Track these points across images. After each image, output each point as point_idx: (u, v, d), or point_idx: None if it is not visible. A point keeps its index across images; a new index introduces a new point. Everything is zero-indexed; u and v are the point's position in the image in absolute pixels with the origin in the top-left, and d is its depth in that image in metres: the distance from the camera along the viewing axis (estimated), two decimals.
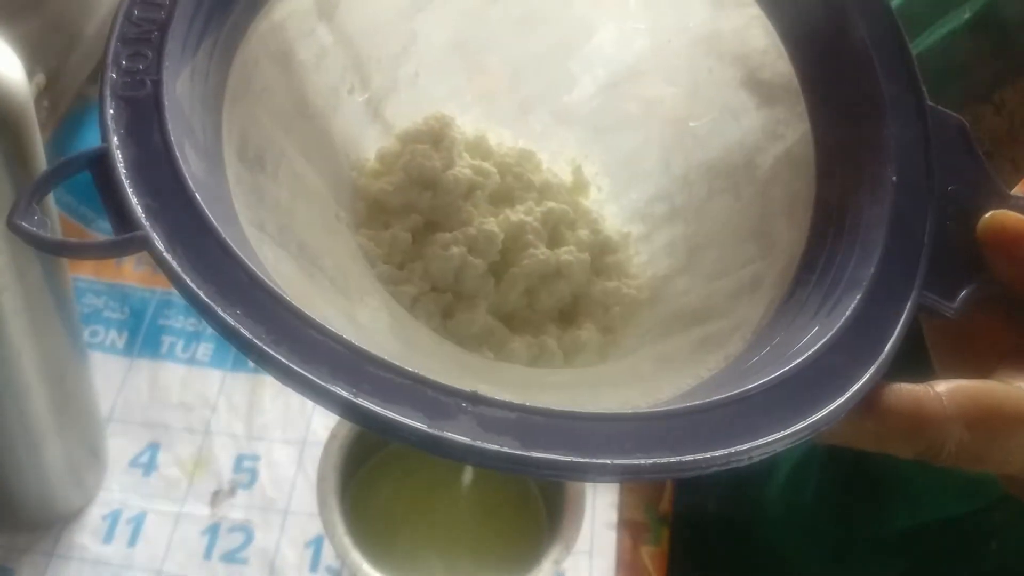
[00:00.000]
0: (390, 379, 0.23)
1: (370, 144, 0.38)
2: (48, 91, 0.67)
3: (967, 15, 0.45)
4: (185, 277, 0.24)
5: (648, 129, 0.39)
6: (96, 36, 0.72)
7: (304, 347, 0.23)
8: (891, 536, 0.54)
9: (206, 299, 0.24)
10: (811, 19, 0.34)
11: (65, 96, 0.70)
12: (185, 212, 0.25)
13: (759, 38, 0.36)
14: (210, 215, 0.25)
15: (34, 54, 0.65)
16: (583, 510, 0.51)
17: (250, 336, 0.23)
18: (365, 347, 0.24)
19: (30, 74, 0.64)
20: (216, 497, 0.60)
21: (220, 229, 0.25)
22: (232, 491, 0.61)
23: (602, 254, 0.38)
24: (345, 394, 0.23)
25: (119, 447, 0.61)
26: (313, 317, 0.24)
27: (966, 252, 0.31)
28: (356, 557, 0.49)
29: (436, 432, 0.22)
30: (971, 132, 0.33)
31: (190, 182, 0.26)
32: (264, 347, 0.23)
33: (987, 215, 0.31)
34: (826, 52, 0.34)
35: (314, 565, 0.58)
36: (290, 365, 0.23)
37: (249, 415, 0.64)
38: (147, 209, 0.25)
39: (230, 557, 0.58)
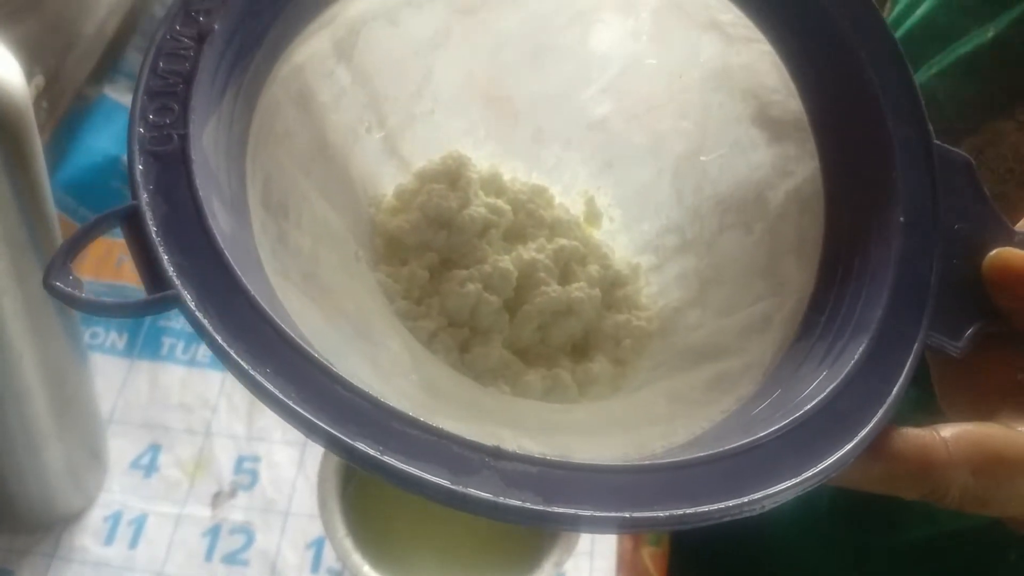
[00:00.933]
0: (415, 435, 0.24)
1: (387, 180, 0.39)
2: (47, 92, 0.67)
3: (991, 33, 0.45)
4: (217, 336, 0.25)
5: (659, 162, 0.40)
6: (94, 36, 0.72)
7: (332, 405, 0.24)
8: (908, 546, 0.55)
9: (237, 358, 0.24)
10: (820, 57, 0.35)
11: (64, 96, 0.70)
12: (215, 270, 0.26)
13: (769, 74, 0.36)
14: (239, 273, 0.26)
15: (32, 55, 0.65)
16: None
17: (280, 395, 0.24)
18: (390, 402, 0.25)
19: (29, 75, 0.64)
20: (217, 499, 0.61)
21: (249, 287, 0.26)
22: (233, 492, 0.61)
23: (612, 288, 0.39)
24: (372, 452, 0.23)
25: (120, 449, 0.62)
26: (340, 374, 0.25)
27: (972, 290, 0.31)
28: (357, 559, 0.50)
29: (460, 489, 0.23)
30: (976, 171, 0.33)
31: (219, 239, 0.26)
32: (293, 405, 0.24)
33: (991, 253, 0.32)
34: (835, 90, 0.34)
35: (315, 567, 0.59)
36: (317, 423, 0.24)
37: (249, 416, 0.64)
38: (178, 268, 0.26)
39: (231, 559, 0.59)
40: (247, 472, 0.62)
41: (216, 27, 0.30)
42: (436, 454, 0.24)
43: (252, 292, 0.26)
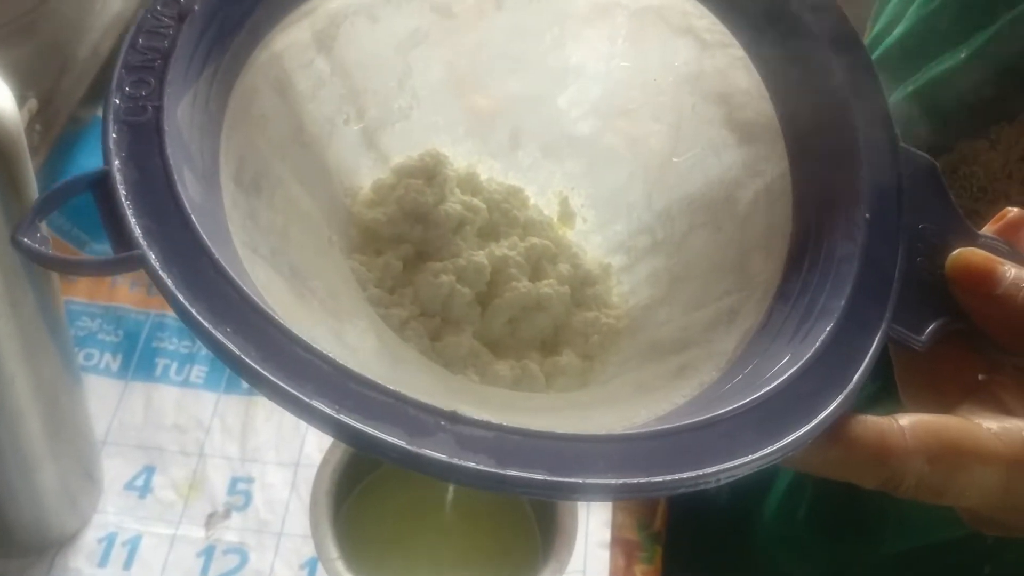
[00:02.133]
0: (372, 396, 0.24)
1: (364, 172, 0.40)
2: (40, 115, 0.68)
3: (963, 54, 0.46)
4: (179, 294, 0.25)
5: (633, 164, 0.40)
6: (88, 58, 0.72)
7: (291, 364, 0.24)
8: (884, 557, 0.55)
9: (198, 316, 0.25)
10: (791, 62, 0.36)
11: (58, 119, 0.71)
12: (181, 233, 0.26)
13: (742, 79, 0.37)
14: (205, 236, 0.26)
15: (26, 79, 0.66)
16: (576, 530, 0.52)
17: (238, 352, 0.24)
18: (350, 366, 0.25)
19: (22, 99, 0.65)
20: (211, 519, 0.61)
21: (214, 250, 0.26)
22: (227, 513, 0.61)
23: (582, 286, 0.39)
24: (328, 410, 0.24)
25: (114, 470, 0.62)
26: (300, 336, 0.25)
27: (935, 288, 0.32)
28: None
29: (414, 449, 0.23)
30: (941, 172, 0.34)
31: (187, 205, 0.27)
32: (252, 363, 0.24)
33: (954, 253, 0.32)
34: (805, 93, 0.35)
35: None
36: (276, 381, 0.24)
37: (243, 437, 0.64)
38: (145, 229, 0.26)
39: None
40: (241, 493, 0.62)
41: (196, 8, 0.31)
42: (392, 415, 0.24)
43: (216, 255, 0.26)
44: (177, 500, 0.61)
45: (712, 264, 0.36)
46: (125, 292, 0.70)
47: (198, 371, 0.67)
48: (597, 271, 0.40)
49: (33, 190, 0.42)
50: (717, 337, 0.33)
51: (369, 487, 0.56)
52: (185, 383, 0.66)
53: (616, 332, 0.38)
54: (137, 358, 0.67)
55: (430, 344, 0.36)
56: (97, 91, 0.75)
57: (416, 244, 0.38)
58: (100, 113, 0.75)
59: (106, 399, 0.64)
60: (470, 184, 0.40)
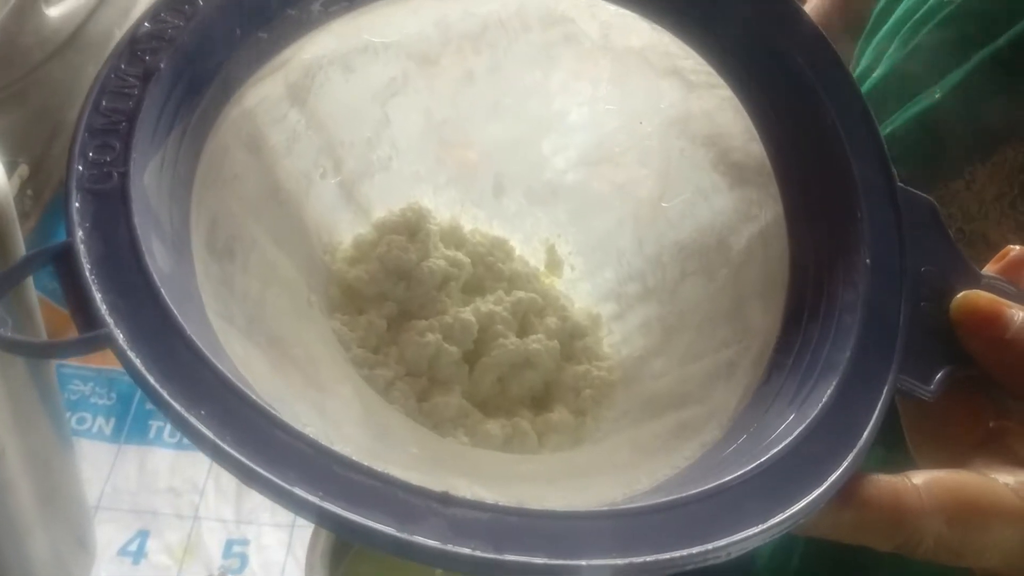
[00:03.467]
0: (358, 480, 0.23)
1: (343, 227, 0.38)
2: (31, 180, 0.67)
3: (937, 95, 0.45)
4: (148, 376, 0.23)
5: (620, 210, 0.39)
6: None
7: (270, 448, 0.23)
8: None
9: (169, 399, 0.23)
10: (781, 101, 0.35)
11: (49, 184, 0.70)
12: (151, 309, 0.25)
13: (730, 120, 0.36)
14: (176, 312, 0.25)
15: (17, 145, 0.66)
16: None
17: (213, 438, 0.23)
18: (334, 445, 0.24)
19: (12, 165, 0.65)
20: None
21: (186, 326, 0.25)
22: None
23: (571, 339, 0.38)
24: (311, 498, 0.22)
25: (107, 535, 0.60)
26: (280, 416, 0.24)
27: (941, 333, 0.31)
28: None
29: (405, 536, 0.22)
30: (941, 213, 0.33)
31: (156, 278, 0.25)
32: (228, 449, 0.23)
33: (959, 296, 0.31)
34: (797, 135, 0.34)
35: None
36: (254, 468, 0.22)
37: (238, 498, 0.63)
38: (112, 306, 0.24)
39: None
40: (236, 556, 0.61)
41: (162, 66, 0.29)
42: (380, 500, 0.23)
43: (189, 332, 0.24)
44: (172, 564, 0.60)
45: (707, 314, 0.35)
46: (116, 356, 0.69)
47: None
48: (586, 322, 0.39)
49: (23, 255, 0.41)
50: (716, 393, 0.32)
51: (362, 549, 0.54)
52: (179, 445, 0.66)
53: (609, 384, 0.37)
54: (130, 421, 0.66)
55: (417, 405, 0.35)
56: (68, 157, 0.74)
57: (400, 302, 0.37)
58: None
59: (99, 463, 0.64)
60: (454, 237, 0.39)
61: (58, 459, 0.52)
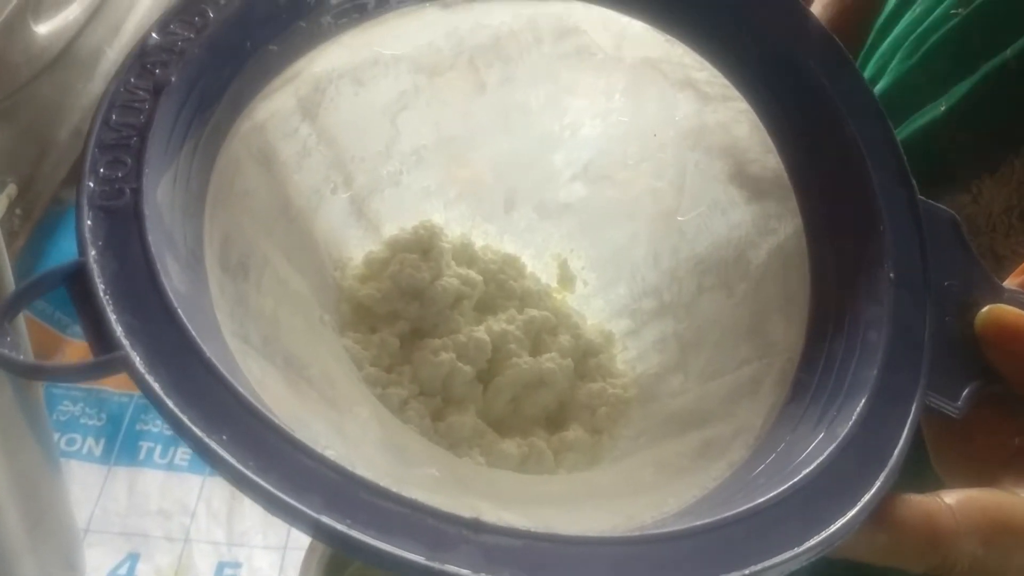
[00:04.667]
0: (386, 507, 0.22)
1: (353, 243, 0.38)
2: (20, 199, 0.67)
3: (943, 107, 0.45)
4: (168, 401, 0.23)
5: (634, 223, 0.39)
6: (69, 141, 0.71)
7: (295, 474, 0.22)
8: None
9: (190, 424, 0.22)
10: (798, 113, 0.34)
11: (39, 202, 0.70)
12: (167, 330, 0.24)
13: (746, 132, 0.35)
14: (193, 332, 0.24)
15: (6, 164, 0.65)
16: None
17: (236, 464, 0.22)
18: (356, 468, 0.23)
19: (1, 184, 0.64)
20: None
21: (204, 348, 0.24)
22: None
23: (585, 357, 0.38)
24: (339, 526, 0.21)
25: (97, 558, 0.59)
26: (303, 441, 0.23)
27: (966, 349, 0.30)
28: None
29: (437, 565, 0.21)
30: (963, 225, 0.33)
31: (172, 297, 0.24)
32: (252, 476, 0.22)
33: (984, 310, 0.31)
34: (815, 146, 0.34)
35: None
36: (280, 495, 0.22)
37: (229, 521, 0.62)
38: (127, 327, 0.24)
39: None
40: None
41: (173, 79, 0.29)
42: (409, 527, 0.22)
43: (208, 354, 0.24)
44: None
45: (725, 329, 0.35)
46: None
47: (183, 454, 0.65)
48: (599, 340, 0.38)
49: (9, 282, 0.40)
50: (741, 411, 0.31)
51: (358, 571, 0.54)
52: (170, 466, 0.65)
53: (624, 402, 0.36)
54: (120, 442, 0.65)
55: (432, 425, 0.34)
56: (78, 173, 0.73)
57: (412, 321, 0.36)
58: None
59: (88, 485, 0.63)
60: (465, 254, 0.38)
61: (46, 482, 0.51)
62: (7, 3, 0.62)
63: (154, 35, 0.30)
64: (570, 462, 0.35)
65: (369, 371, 0.34)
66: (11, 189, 0.65)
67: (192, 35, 0.30)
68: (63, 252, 0.70)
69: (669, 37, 0.36)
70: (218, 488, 0.63)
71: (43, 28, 0.67)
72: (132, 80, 0.29)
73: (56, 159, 0.70)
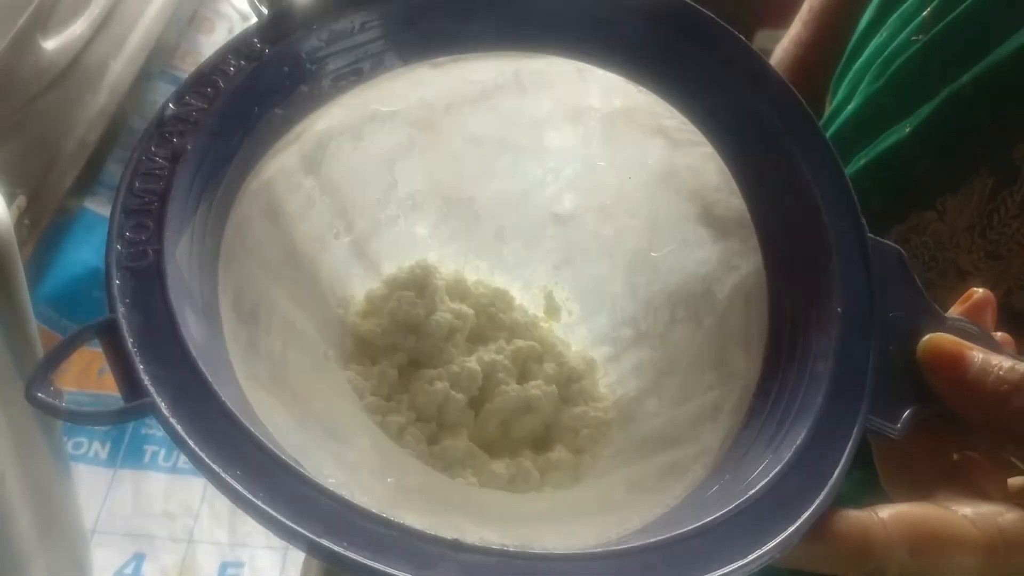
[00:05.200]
0: (378, 531, 0.26)
1: (355, 281, 0.41)
2: (28, 209, 0.69)
3: (908, 129, 0.47)
4: (189, 441, 0.26)
5: (613, 258, 0.42)
6: (75, 152, 0.74)
7: (299, 504, 0.26)
8: None
9: (209, 461, 0.26)
10: (759, 158, 0.37)
11: (46, 212, 0.72)
12: (188, 378, 0.27)
13: (713, 175, 0.38)
14: (210, 379, 0.27)
15: (15, 176, 0.68)
16: None
17: (250, 496, 0.25)
18: (355, 497, 0.26)
19: (11, 196, 0.66)
20: None
21: (220, 392, 0.27)
22: None
23: (568, 383, 0.41)
24: (337, 549, 0.25)
25: (103, 559, 0.62)
26: (307, 474, 0.26)
27: (907, 375, 0.33)
28: None
29: None
30: (907, 260, 0.35)
31: (191, 348, 0.28)
32: (263, 506, 0.25)
33: (924, 339, 0.33)
34: (774, 189, 0.37)
35: None
36: (287, 523, 0.25)
37: (232, 522, 0.65)
38: (153, 376, 0.27)
39: None
40: None
41: (189, 147, 0.32)
42: (398, 549, 0.25)
43: (223, 398, 0.27)
44: None
45: (694, 358, 0.38)
46: (113, 380, 0.70)
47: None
48: (582, 367, 0.41)
49: (23, 289, 0.42)
50: (703, 434, 0.34)
51: None
52: (174, 469, 0.67)
53: (605, 424, 0.40)
54: (125, 446, 0.68)
55: (428, 448, 0.37)
56: (84, 182, 0.76)
57: (410, 352, 0.40)
58: (87, 204, 0.77)
59: (95, 488, 0.65)
60: (458, 289, 0.42)
61: (57, 486, 0.52)
62: (16, 20, 0.64)
63: (171, 106, 0.33)
64: (555, 480, 0.38)
65: (370, 400, 0.38)
66: (20, 200, 0.67)
67: (205, 105, 0.33)
68: (69, 261, 0.72)
69: (641, 88, 0.39)
70: None
71: (50, 44, 0.69)
72: (152, 148, 0.32)
73: (62, 169, 0.73)
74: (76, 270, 0.72)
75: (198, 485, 0.66)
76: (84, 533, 0.60)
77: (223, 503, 0.65)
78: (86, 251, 0.74)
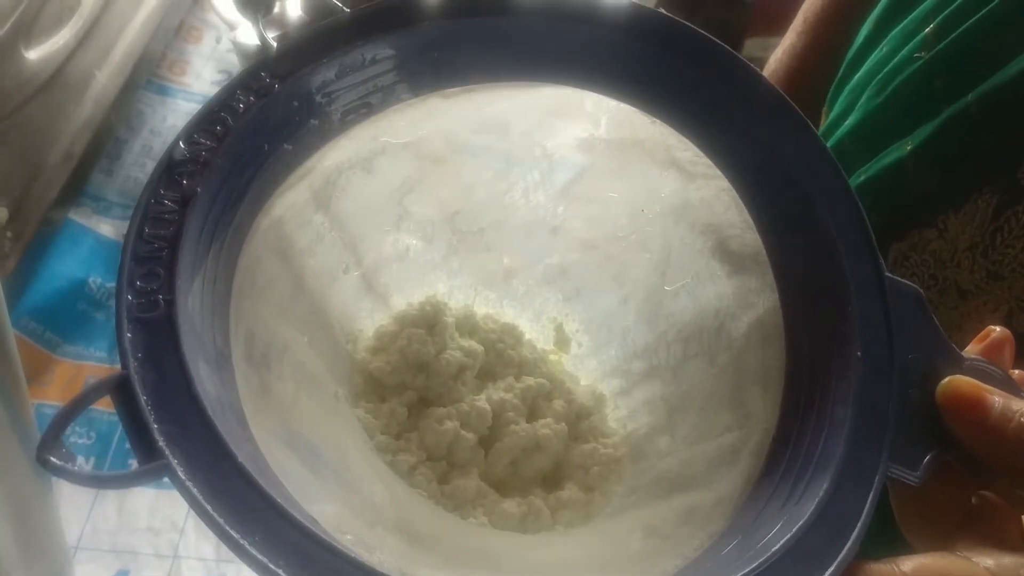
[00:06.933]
0: None
1: (363, 315, 0.41)
2: (12, 221, 0.68)
3: (909, 146, 0.47)
4: (207, 505, 0.26)
5: (624, 290, 0.41)
6: (59, 163, 0.73)
7: (318, 570, 0.25)
8: None
9: (227, 527, 0.25)
10: (775, 193, 0.36)
11: (29, 224, 0.71)
12: (203, 436, 0.27)
13: (728, 209, 0.38)
14: (226, 439, 0.27)
15: None
16: None
17: (271, 565, 0.25)
18: (372, 555, 0.26)
19: None
20: None
21: (236, 452, 0.27)
22: None
23: (577, 420, 0.41)
24: None
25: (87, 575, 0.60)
26: (325, 537, 0.26)
27: (927, 419, 0.33)
28: None
29: None
30: (926, 299, 0.35)
31: (206, 405, 0.27)
32: (282, 574, 0.25)
33: (943, 381, 0.33)
34: (790, 225, 0.36)
35: None
36: None
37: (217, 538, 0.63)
38: (167, 436, 0.26)
39: None
40: None
41: (199, 190, 0.31)
42: None
43: (239, 458, 0.27)
44: None
45: (709, 397, 0.37)
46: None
47: None
48: (591, 402, 0.41)
49: (3, 309, 0.41)
50: (721, 478, 0.34)
51: None
52: (159, 484, 0.64)
53: (615, 460, 0.39)
54: (110, 460, 0.66)
55: (439, 488, 0.37)
56: (68, 194, 0.75)
57: (419, 391, 0.39)
58: (71, 215, 0.76)
59: (79, 503, 0.64)
60: (467, 324, 0.41)
61: (37, 501, 0.51)
62: None
63: (180, 145, 0.32)
64: (566, 519, 0.37)
65: (380, 439, 0.37)
66: (3, 212, 0.66)
67: (215, 144, 0.33)
68: (53, 273, 0.71)
69: (654, 119, 0.38)
70: None
71: (33, 53, 0.68)
72: (162, 191, 0.31)
73: (46, 181, 0.71)
74: (60, 283, 0.70)
75: (183, 501, 0.65)
76: (66, 549, 0.59)
77: None
78: (71, 263, 0.72)
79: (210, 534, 0.61)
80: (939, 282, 0.47)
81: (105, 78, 0.78)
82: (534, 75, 0.38)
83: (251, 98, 0.34)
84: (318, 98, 0.35)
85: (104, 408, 0.70)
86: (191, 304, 0.30)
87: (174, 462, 0.26)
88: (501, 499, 0.37)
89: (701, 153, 0.38)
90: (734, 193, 0.37)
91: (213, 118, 0.33)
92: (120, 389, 0.27)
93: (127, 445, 0.67)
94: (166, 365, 0.28)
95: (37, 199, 0.72)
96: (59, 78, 0.71)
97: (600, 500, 0.38)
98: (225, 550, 0.61)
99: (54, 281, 0.71)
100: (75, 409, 0.27)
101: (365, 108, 0.36)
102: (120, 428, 0.65)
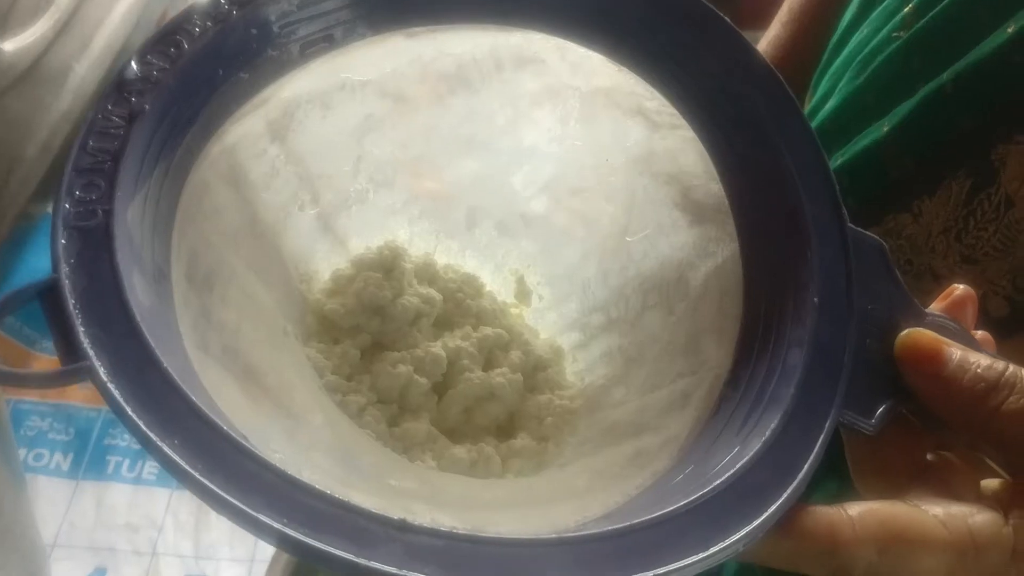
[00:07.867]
0: (321, 508, 0.24)
1: (320, 257, 0.40)
2: None
3: (885, 128, 0.47)
4: (126, 407, 0.25)
5: (586, 243, 0.41)
6: (37, 157, 0.72)
7: (239, 477, 0.24)
8: None
9: (145, 428, 0.25)
10: (739, 143, 0.36)
11: (6, 218, 0.70)
12: (131, 342, 0.26)
13: (692, 160, 0.37)
14: (154, 345, 0.26)
15: None
16: None
17: (185, 466, 0.24)
18: (302, 472, 0.25)
19: None
20: None
21: (163, 359, 0.26)
22: None
23: (534, 371, 0.40)
24: (276, 524, 0.24)
25: (64, 573, 0.60)
26: (249, 446, 0.25)
27: (884, 369, 0.32)
28: None
29: (363, 561, 0.23)
30: (889, 253, 0.34)
31: (136, 312, 0.27)
32: (198, 476, 0.24)
33: (902, 333, 0.33)
34: (754, 176, 0.36)
35: None
36: (222, 495, 0.24)
37: (196, 533, 0.63)
38: (93, 339, 0.26)
39: None
40: None
41: (147, 107, 0.31)
42: (341, 527, 0.24)
43: (165, 364, 0.26)
44: None
45: (665, 346, 0.37)
46: (76, 389, 0.68)
47: (151, 467, 0.66)
48: (548, 355, 0.41)
49: None
50: (671, 422, 0.33)
51: None
52: (138, 480, 0.65)
53: (570, 412, 0.38)
54: (88, 456, 0.66)
55: (388, 430, 0.36)
56: (47, 188, 0.74)
57: (374, 334, 0.39)
58: (51, 210, 0.75)
59: (56, 500, 0.63)
60: (427, 273, 0.41)
61: (11, 499, 0.51)
62: None
63: (132, 64, 0.32)
64: (517, 467, 0.37)
65: (330, 379, 0.36)
66: None
67: (167, 65, 0.32)
68: (32, 267, 0.71)
69: (622, 67, 0.38)
70: (185, 502, 0.64)
71: (9, 45, 0.67)
72: (109, 107, 0.31)
73: (24, 175, 0.71)
74: (39, 277, 0.69)
75: (162, 496, 0.64)
76: (41, 547, 0.58)
77: (188, 514, 0.64)
78: (49, 258, 0.72)
79: (189, 530, 0.62)
80: (914, 267, 0.46)
81: (84, 70, 0.77)
82: (502, 19, 0.37)
83: (208, 23, 0.33)
84: (277, 28, 0.34)
85: (83, 403, 0.71)
86: (131, 218, 0.29)
87: (97, 364, 0.25)
88: (451, 444, 0.37)
89: (667, 103, 0.38)
90: (699, 143, 0.37)
91: (168, 40, 0.33)
92: (48, 292, 0.27)
93: (106, 441, 0.67)
94: (98, 272, 0.27)
95: (15, 192, 0.71)
96: (36, 70, 0.71)
97: (553, 450, 0.37)
98: (204, 546, 0.61)
99: (32, 276, 0.69)
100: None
101: (326, 42, 0.36)
102: (99, 425, 0.66)
